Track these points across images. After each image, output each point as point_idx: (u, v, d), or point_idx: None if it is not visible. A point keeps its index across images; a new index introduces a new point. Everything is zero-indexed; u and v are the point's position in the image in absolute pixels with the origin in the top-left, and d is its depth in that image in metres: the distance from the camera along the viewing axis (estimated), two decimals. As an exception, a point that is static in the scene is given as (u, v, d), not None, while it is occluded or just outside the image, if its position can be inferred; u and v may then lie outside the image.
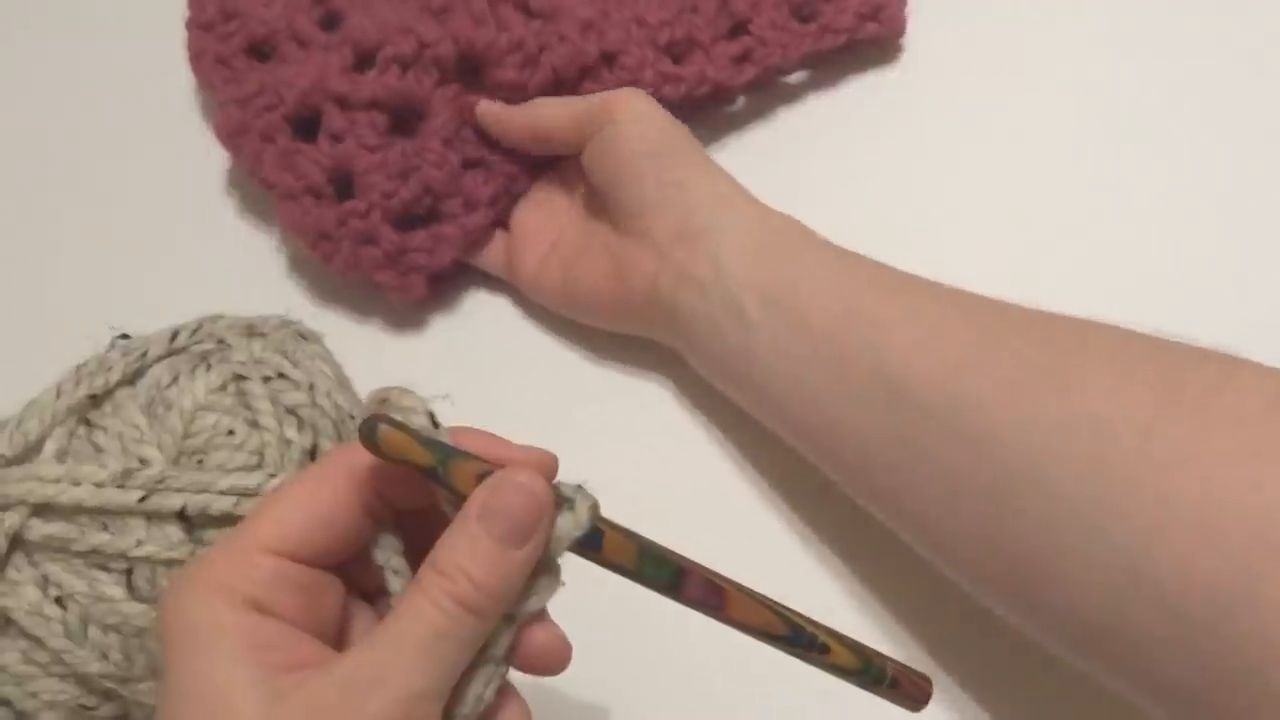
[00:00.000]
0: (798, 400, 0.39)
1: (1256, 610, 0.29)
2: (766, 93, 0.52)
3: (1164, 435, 0.31)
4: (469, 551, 0.28)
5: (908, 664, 0.32)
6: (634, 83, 0.47)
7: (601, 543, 0.29)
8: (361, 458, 0.29)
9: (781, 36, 0.50)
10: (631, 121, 0.43)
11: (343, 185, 0.46)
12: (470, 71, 0.47)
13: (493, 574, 0.28)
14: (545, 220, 0.48)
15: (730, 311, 0.41)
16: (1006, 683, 0.40)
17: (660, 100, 0.47)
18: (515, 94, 0.47)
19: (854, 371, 0.38)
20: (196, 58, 0.51)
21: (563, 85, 0.48)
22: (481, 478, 0.28)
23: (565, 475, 0.30)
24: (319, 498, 0.29)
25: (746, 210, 0.43)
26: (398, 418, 0.29)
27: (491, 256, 0.48)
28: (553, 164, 0.48)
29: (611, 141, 0.43)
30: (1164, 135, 0.50)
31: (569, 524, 0.29)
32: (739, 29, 0.50)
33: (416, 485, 0.29)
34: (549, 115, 0.46)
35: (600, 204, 0.45)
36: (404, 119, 0.47)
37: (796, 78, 0.52)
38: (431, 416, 0.29)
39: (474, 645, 0.28)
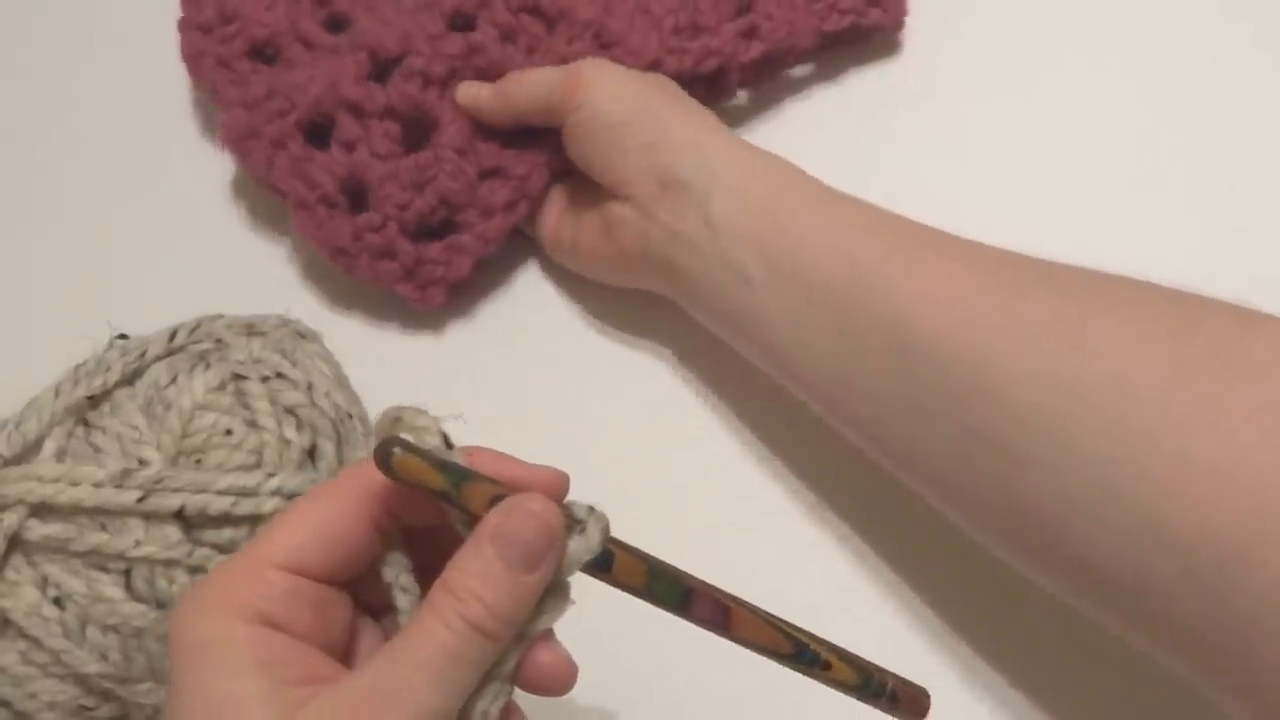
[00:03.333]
0: (805, 355, 0.39)
1: (1272, 556, 0.29)
2: (770, 86, 0.51)
3: (1182, 389, 0.31)
4: (481, 574, 0.28)
5: (906, 676, 0.32)
6: (639, 54, 0.46)
7: (612, 564, 0.29)
8: (374, 476, 0.29)
9: (788, 13, 0.49)
10: (594, 103, 0.43)
11: (355, 194, 0.46)
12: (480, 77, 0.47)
13: (504, 597, 0.28)
14: (558, 183, 0.48)
15: (729, 269, 0.40)
16: (1006, 692, 0.40)
17: (664, 73, 0.46)
18: None
19: (862, 326, 0.37)
20: (194, 59, 0.49)
21: None
22: (494, 500, 0.28)
23: (579, 473, 0.30)
24: (331, 515, 0.29)
25: (730, 156, 0.42)
26: (410, 438, 0.28)
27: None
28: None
29: (580, 126, 0.43)
30: (1168, 127, 0.50)
31: (580, 546, 0.29)
32: (745, 9, 0.49)
33: (428, 504, 0.29)
34: (522, 99, 0.45)
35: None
36: (417, 128, 0.46)
37: (800, 71, 0.52)
38: (445, 437, 0.29)
39: (484, 666, 0.28)
